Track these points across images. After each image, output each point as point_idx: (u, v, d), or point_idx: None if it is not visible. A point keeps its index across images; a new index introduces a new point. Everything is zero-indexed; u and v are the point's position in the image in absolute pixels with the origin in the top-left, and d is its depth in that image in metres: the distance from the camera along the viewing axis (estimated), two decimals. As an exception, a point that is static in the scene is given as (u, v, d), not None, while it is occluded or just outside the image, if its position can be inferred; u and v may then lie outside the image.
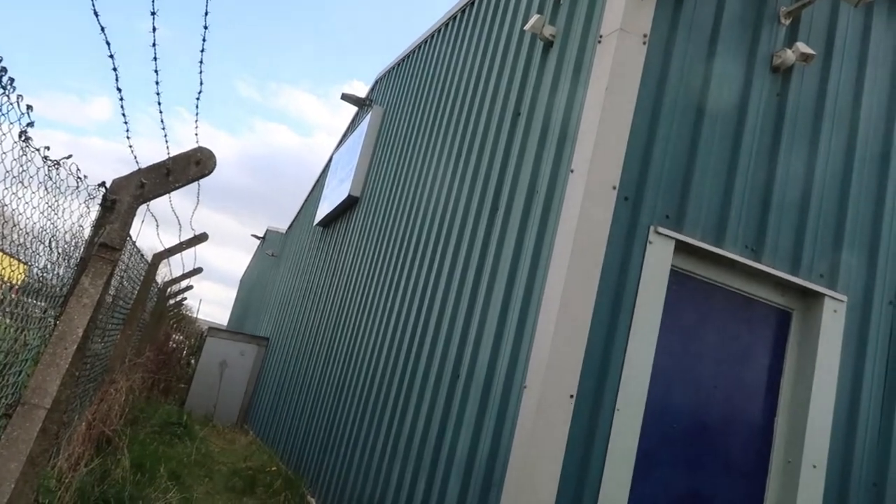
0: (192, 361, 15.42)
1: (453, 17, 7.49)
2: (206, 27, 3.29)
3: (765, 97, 4.18)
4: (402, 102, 8.69)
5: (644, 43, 3.82)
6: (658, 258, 3.71)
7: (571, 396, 3.40)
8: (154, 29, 2.96)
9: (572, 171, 3.76)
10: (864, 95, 4.49)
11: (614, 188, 3.64)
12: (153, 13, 2.76)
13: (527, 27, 4.71)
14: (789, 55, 4.14)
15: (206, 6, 3.26)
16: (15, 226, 2.84)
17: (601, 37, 3.94)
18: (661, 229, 3.72)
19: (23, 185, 2.80)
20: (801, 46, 4.11)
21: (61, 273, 3.57)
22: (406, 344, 5.54)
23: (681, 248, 3.81)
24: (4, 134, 2.39)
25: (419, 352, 5.21)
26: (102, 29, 2.75)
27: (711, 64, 4.05)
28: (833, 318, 4.09)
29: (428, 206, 6.18)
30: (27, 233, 3.06)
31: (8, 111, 2.37)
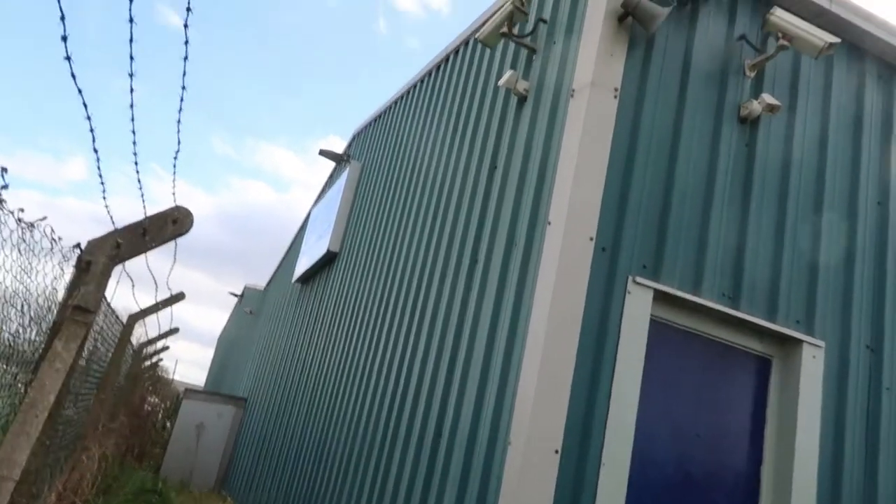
0: (168, 425, 15.02)
1: (429, 73, 7.65)
2: (183, 87, 3.31)
3: (734, 147, 4.28)
4: (380, 157, 8.77)
5: (615, 96, 3.91)
6: (637, 308, 3.72)
7: (556, 452, 3.35)
8: (132, 90, 2.97)
9: (550, 223, 3.79)
10: (829, 142, 4.61)
11: (591, 239, 3.67)
12: (131, 75, 2.77)
13: (501, 82, 4.81)
14: (756, 106, 4.26)
15: (185, 66, 3.29)
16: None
17: (573, 91, 4.03)
18: (639, 279, 3.74)
19: (-6, 247, 2.75)
20: (767, 98, 4.24)
21: (32, 337, 3.49)
22: (388, 401, 5.45)
23: (659, 297, 3.83)
24: (-23, 198, 2.36)
25: (401, 409, 5.12)
26: (80, 91, 2.75)
27: (681, 115, 4.15)
28: (812, 365, 4.11)
29: (407, 259, 6.18)
30: (-2, 297, 2.99)
31: (-19, 174, 2.34)
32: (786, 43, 4.17)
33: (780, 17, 4.16)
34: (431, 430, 4.47)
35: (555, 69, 4.42)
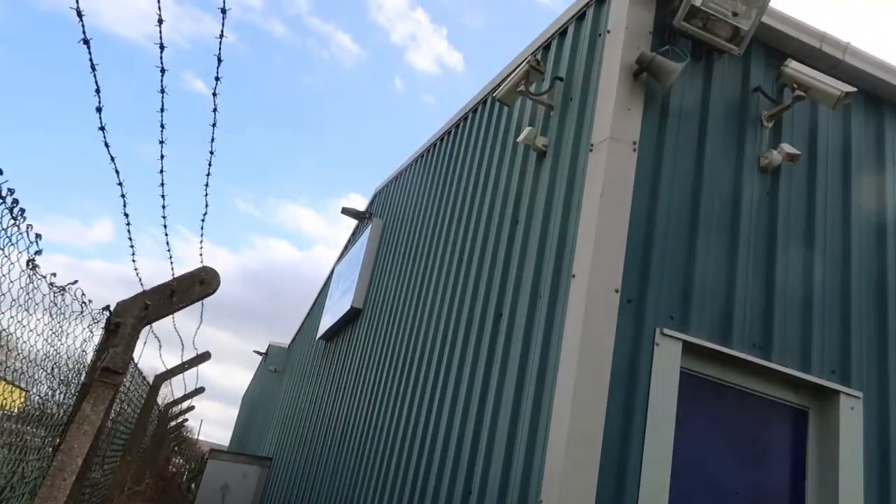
0: (193, 486, 14.88)
1: (447, 132, 7.79)
2: (211, 152, 3.43)
3: (756, 196, 4.27)
4: (402, 214, 8.87)
5: (634, 150, 3.95)
6: (666, 360, 3.66)
7: (589, 510, 3.25)
8: (162, 157, 3.07)
9: (574, 276, 3.79)
10: (852, 189, 4.59)
11: (616, 291, 3.65)
12: (161, 142, 2.88)
13: (520, 139, 4.88)
14: (775, 156, 4.27)
15: (213, 132, 3.40)
16: (18, 354, 2.82)
17: (592, 145, 4.08)
18: (666, 331, 3.70)
19: (28, 312, 2.81)
20: (786, 147, 4.24)
21: (61, 399, 3.52)
22: (415, 458, 5.37)
23: (688, 349, 3.77)
24: (13, 263, 2.44)
25: (429, 466, 5.04)
26: (112, 159, 2.85)
27: (701, 166, 4.17)
28: (851, 417, 3.98)
29: (431, 314, 6.17)
30: (30, 360, 3.04)
31: (17, 240, 2.42)
32: (801, 93, 4.20)
33: (795, 68, 4.20)
34: (460, 489, 4.38)
35: (573, 125, 4.49)
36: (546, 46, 5.45)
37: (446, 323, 5.69)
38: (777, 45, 4.61)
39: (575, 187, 4.19)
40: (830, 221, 4.44)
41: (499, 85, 5.67)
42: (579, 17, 4.94)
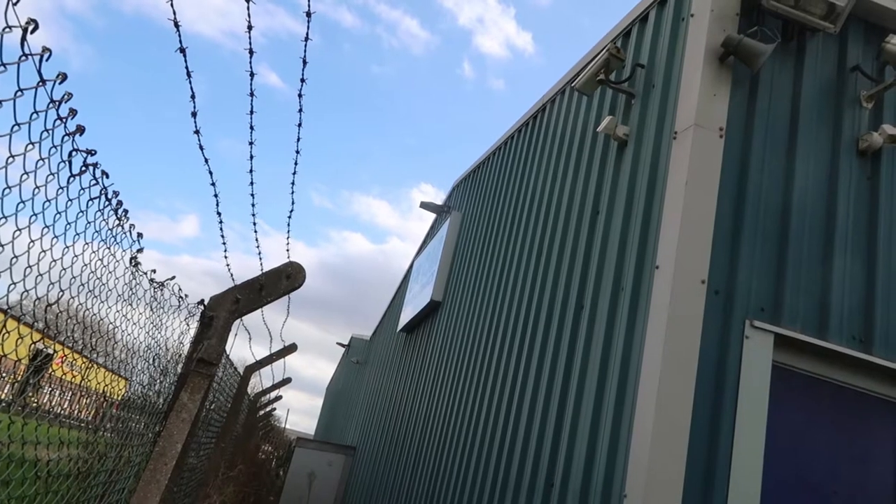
0: (281, 472, 15.44)
1: (525, 123, 7.74)
2: (297, 152, 3.54)
3: (854, 181, 4.05)
4: (481, 207, 8.88)
5: (721, 136, 3.81)
6: (757, 353, 3.53)
7: (676, 506, 3.18)
8: (251, 157, 3.20)
9: (657, 268, 3.70)
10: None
11: (703, 282, 3.54)
12: (251, 143, 3.00)
13: (600, 129, 4.79)
14: (876, 138, 4.03)
15: (299, 132, 3.51)
16: (125, 346, 3.01)
17: (676, 133, 3.96)
18: (757, 323, 3.57)
19: (131, 306, 2.99)
20: (889, 128, 4.00)
21: (158, 388, 3.72)
22: (496, 449, 5.39)
23: (781, 341, 3.62)
24: (118, 260, 2.60)
25: (510, 459, 5.05)
26: (206, 160, 2.99)
27: (793, 151, 3.99)
28: (963, 413, 3.73)
29: (511, 307, 6.16)
30: (133, 351, 3.23)
31: (121, 238, 2.58)
32: (906, 70, 3.94)
33: (898, 44, 3.95)
34: (542, 479, 4.37)
35: (655, 113, 4.37)
36: (626, 33, 5.33)
37: (526, 315, 5.67)
38: (877, 20, 4.35)
39: (658, 176, 4.09)
40: (938, 206, 4.16)
41: (577, 75, 5.59)
42: (661, 1, 4.80)
